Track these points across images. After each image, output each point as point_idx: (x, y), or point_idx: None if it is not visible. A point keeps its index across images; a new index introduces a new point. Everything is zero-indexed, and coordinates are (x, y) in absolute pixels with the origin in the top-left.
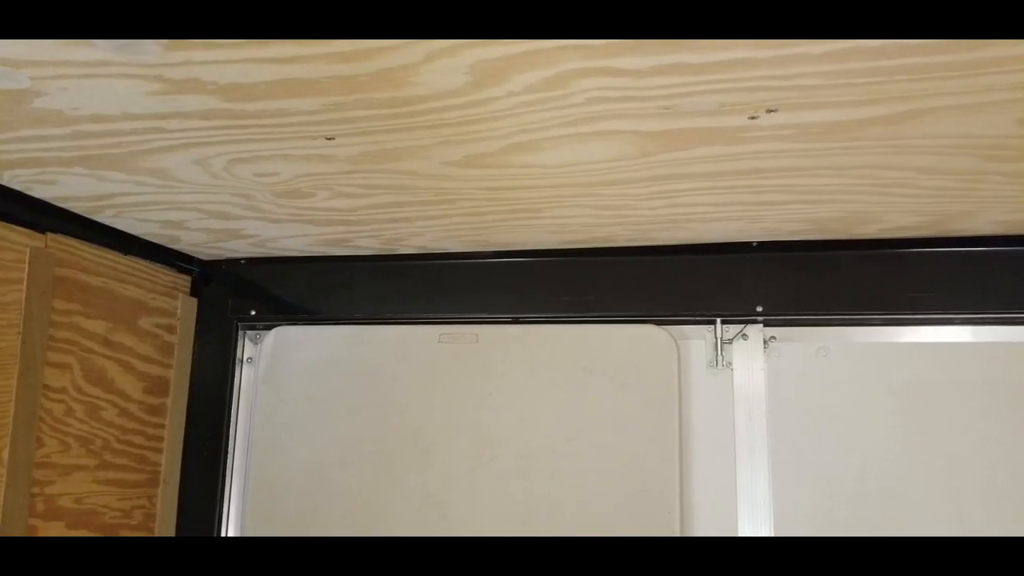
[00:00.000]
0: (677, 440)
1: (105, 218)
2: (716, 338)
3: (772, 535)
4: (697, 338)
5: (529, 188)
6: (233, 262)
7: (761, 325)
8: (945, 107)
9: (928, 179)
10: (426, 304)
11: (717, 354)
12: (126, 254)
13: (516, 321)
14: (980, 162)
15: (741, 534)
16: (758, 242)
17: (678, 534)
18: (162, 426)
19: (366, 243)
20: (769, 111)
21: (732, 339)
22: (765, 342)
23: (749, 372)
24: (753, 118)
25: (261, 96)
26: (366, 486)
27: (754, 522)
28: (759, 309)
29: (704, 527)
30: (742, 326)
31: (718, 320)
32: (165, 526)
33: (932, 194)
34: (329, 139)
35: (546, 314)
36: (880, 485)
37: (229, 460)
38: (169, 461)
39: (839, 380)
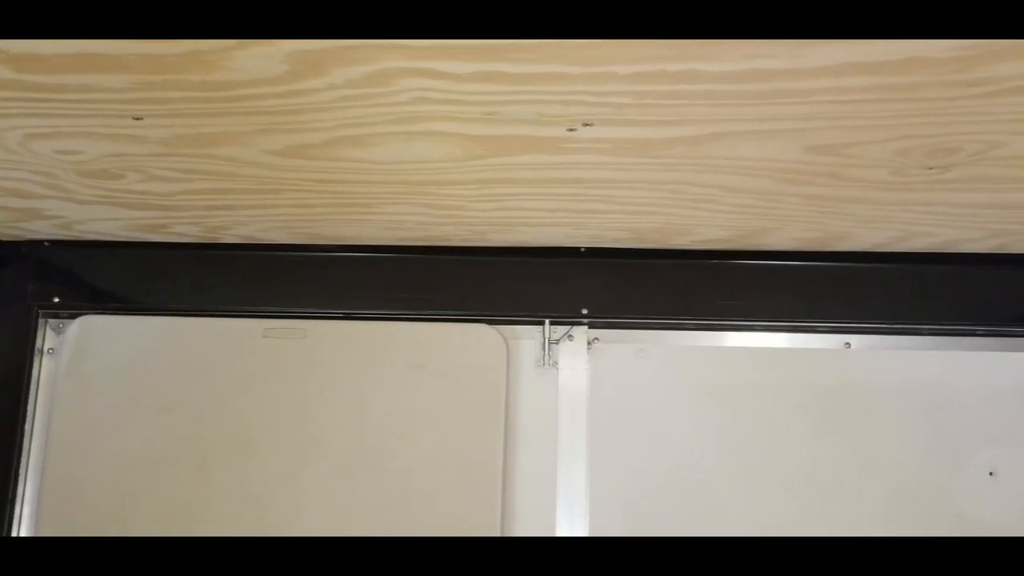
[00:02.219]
0: (503, 437)
1: None
2: (544, 338)
3: (587, 528)
4: (527, 338)
5: (358, 183)
6: (35, 244)
7: (586, 327)
8: (743, 132)
9: (732, 197)
10: (251, 297)
11: (544, 354)
12: None
13: (348, 317)
14: (777, 184)
15: (558, 527)
16: (585, 248)
17: (498, 529)
18: None
19: (186, 230)
20: (586, 124)
21: (559, 340)
22: (589, 343)
23: (573, 372)
24: (571, 130)
25: (60, 69)
26: (180, 487)
27: (571, 515)
28: (584, 311)
29: (524, 521)
30: (568, 327)
31: (547, 321)
32: None
33: (736, 211)
34: (137, 119)
35: (379, 311)
36: (688, 480)
37: (23, 459)
38: None
39: (655, 380)
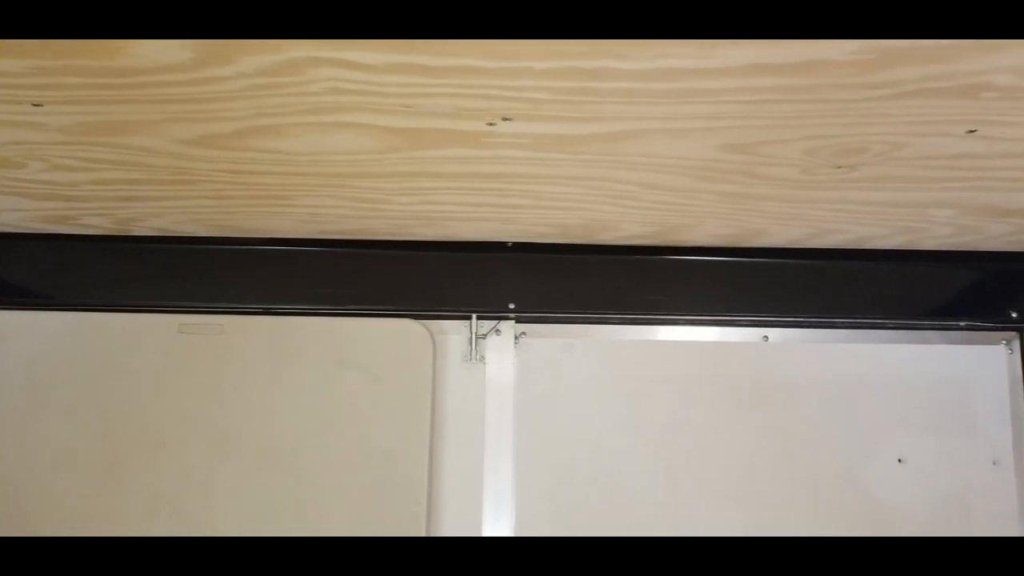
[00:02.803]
0: (428, 433)
1: None
2: (471, 333)
3: (513, 522)
4: (454, 333)
5: (275, 174)
6: None
7: (513, 321)
8: (657, 129)
9: (651, 193)
10: (166, 291)
11: (472, 348)
12: None
13: (267, 312)
14: (692, 181)
15: (485, 522)
16: (513, 242)
17: (423, 525)
18: None
19: (95, 222)
20: (505, 119)
21: (486, 334)
22: (516, 337)
23: (501, 366)
24: (491, 124)
25: None
26: (88, 488)
27: (497, 510)
28: (512, 306)
29: (451, 516)
30: (496, 322)
31: (474, 316)
32: None
33: (656, 207)
34: (36, 105)
35: (299, 305)
36: (613, 472)
37: None
38: None
39: (581, 374)
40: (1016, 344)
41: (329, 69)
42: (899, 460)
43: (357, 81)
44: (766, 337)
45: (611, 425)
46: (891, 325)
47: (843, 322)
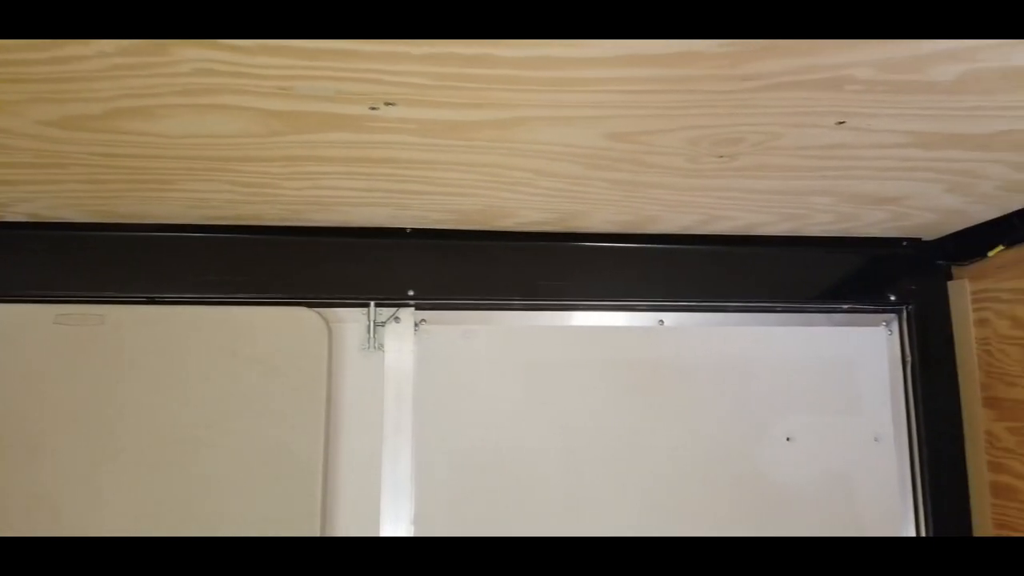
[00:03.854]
0: (324, 424)
1: None
2: (370, 321)
3: (412, 512)
4: (351, 321)
5: (150, 157)
6: None
7: (413, 308)
8: (543, 117)
9: (545, 180)
10: (40, 280)
11: (370, 337)
12: None
13: (151, 301)
14: (583, 169)
15: (383, 514)
16: (411, 228)
17: (319, 519)
18: None
19: None
20: (388, 104)
21: (385, 322)
22: (416, 325)
23: (400, 354)
24: (374, 109)
25: None
26: None
27: (396, 497)
28: (411, 293)
29: (347, 508)
30: (395, 309)
31: (372, 303)
32: None
33: (551, 194)
34: None
35: (187, 294)
36: (513, 459)
37: None
38: None
39: (482, 361)
40: (895, 326)
41: (196, 50)
42: (787, 438)
43: (228, 63)
44: (662, 321)
45: (512, 412)
46: (779, 308)
47: (734, 306)
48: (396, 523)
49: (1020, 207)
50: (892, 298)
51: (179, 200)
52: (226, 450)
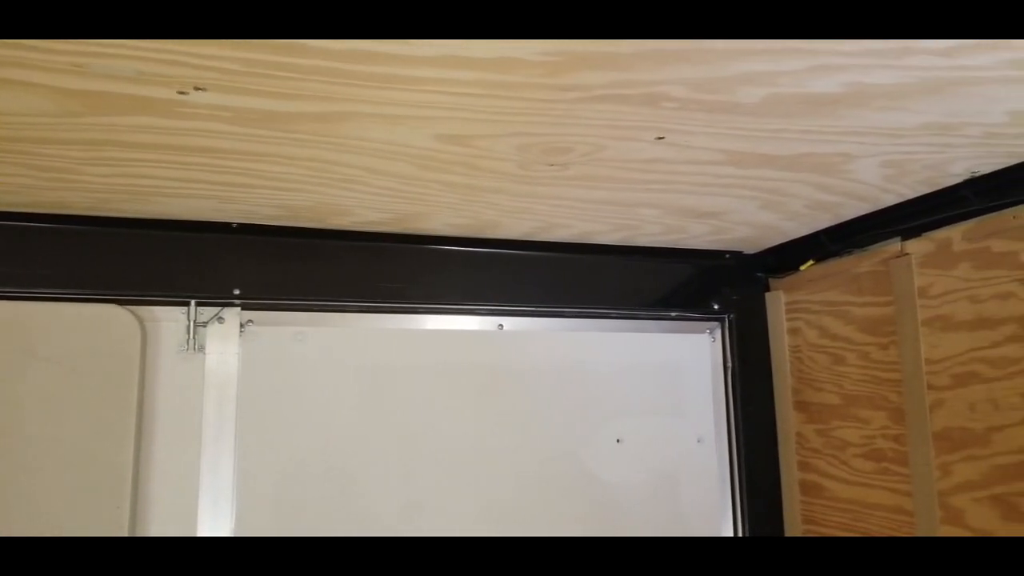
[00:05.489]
0: (134, 430)
1: None
2: (190, 321)
3: (233, 521)
4: (169, 320)
5: None
6: None
7: (239, 308)
8: (369, 114)
9: (378, 179)
10: None
11: (190, 337)
12: None
13: None
14: (416, 169)
15: (200, 522)
16: (238, 224)
17: (126, 529)
18: None
19: None
20: (198, 89)
21: (207, 322)
22: (242, 326)
23: (223, 356)
24: (183, 93)
25: None
26: None
27: (215, 508)
28: (237, 292)
29: (161, 519)
30: (219, 309)
31: (192, 302)
32: None
33: (386, 194)
34: None
35: None
36: (345, 465)
37: None
38: None
39: (313, 364)
40: (718, 333)
41: None
42: (618, 440)
43: None
44: (501, 326)
45: (346, 417)
46: (613, 315)
47: (571, 311)
48: (215, 535)
49: (827, 225)
50: (716, 307)
51: None
52: (23, 456)
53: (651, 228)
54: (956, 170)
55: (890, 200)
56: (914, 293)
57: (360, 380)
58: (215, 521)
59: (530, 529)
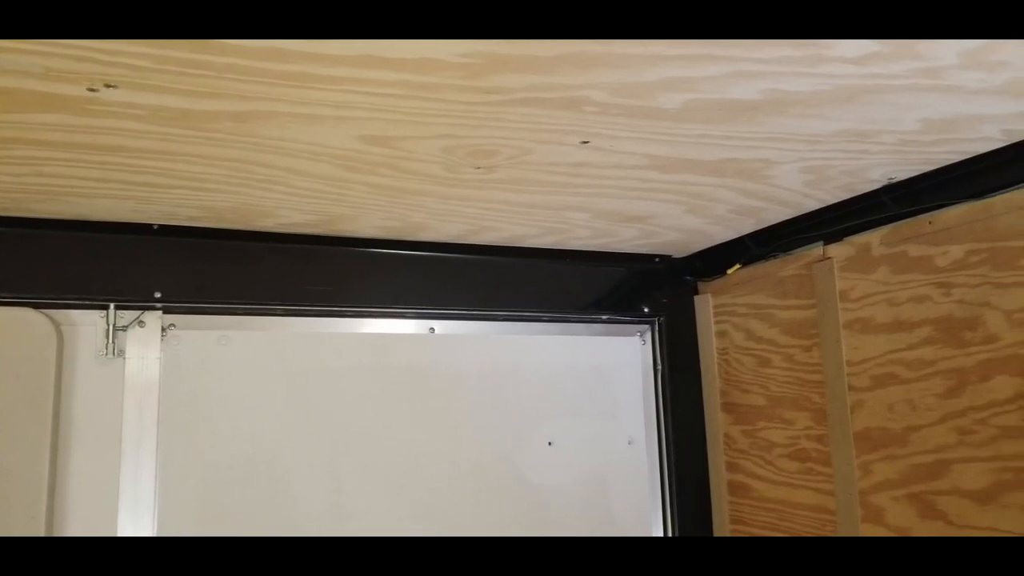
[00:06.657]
0: (50, 439)
1: None
2: (108, 325)
3: (155, 528)
4: (86, 324)
5: None
6: None
7: (160, 312)
8: (287, 113)
9: (301, 180)
10: None
11: (109, 342)
12: None
13: None
14: (339, 171)
15: (120, 531)
16: (159, 225)
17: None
18: None
19: None
20: (109, 86)
21: (127, 326)
22: (164, 329)
23: (144, 361)
24: (93, 91)
25: None
26: None
27: (136, 517)
28: (158, 295)
29: (78, 529)
30: (139, 312)
31: (111, 305)
32: None
33: (310, 195)
34: None
35: None
36: (269, 469)
37: None
38: None
39: (238, 368)
40: (648, 336)
41: None
42: (549, 443)
43: None
44: (432, 329)
45: (272, 421)
46: (544, 318)
47: (502, 314)
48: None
49: (752, 230)
50: (646, 310)
51: None
52: None
53: (581, 232)
54: (874, 176)
55: (812, 205)
56: (836, 296)
57: (287, 384)
58: (136, 530)
59: (462, 531)
